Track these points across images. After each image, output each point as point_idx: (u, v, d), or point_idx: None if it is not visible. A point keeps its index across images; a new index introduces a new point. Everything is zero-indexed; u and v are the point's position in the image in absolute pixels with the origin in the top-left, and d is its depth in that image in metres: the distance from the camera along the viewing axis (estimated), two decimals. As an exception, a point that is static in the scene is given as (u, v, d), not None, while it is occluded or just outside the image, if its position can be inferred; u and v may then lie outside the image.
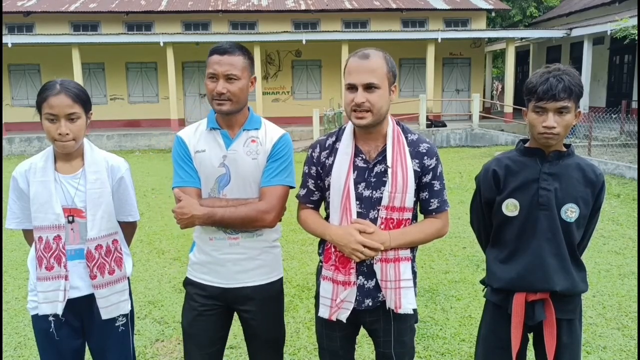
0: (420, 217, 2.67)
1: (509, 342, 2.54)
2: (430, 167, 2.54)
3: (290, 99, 25.59)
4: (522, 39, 26.70)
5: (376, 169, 2.52)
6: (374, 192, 2.51)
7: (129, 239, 2.91)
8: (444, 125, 21.43)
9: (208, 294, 2.74)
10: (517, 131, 21.29)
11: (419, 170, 2.53)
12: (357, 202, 2.51)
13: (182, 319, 2.85)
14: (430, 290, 5.57)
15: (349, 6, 25.99)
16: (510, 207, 2.54)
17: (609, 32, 18.89)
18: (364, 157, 2.54)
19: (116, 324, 2.76)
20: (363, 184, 2.51)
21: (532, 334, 2.68)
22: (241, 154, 2.65)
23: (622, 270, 6.06)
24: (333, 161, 2.57)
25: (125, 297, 2.76)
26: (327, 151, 2.62)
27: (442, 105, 25.38)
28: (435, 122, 21.55)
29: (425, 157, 2.54)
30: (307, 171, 2.69)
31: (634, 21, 15.95)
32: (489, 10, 27.34)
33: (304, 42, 22.68)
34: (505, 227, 2.58)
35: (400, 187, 2.47)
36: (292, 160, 2.74)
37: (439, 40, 22.66)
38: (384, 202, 2.48)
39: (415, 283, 2.62)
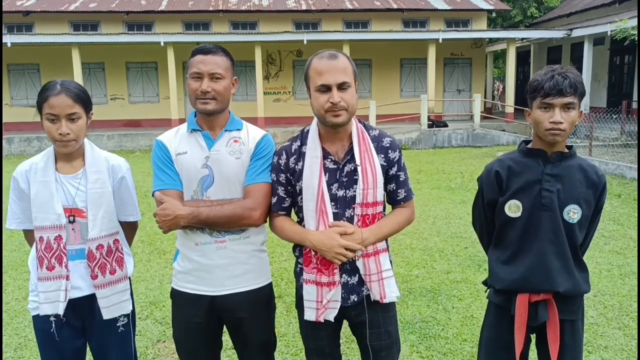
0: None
1: (511, 343, 2.53)
2: (395, 159, 2.61)
3: (291, 99, 25.61)
4: (522, 39, 26.69)
5: (346, 168, 2.54)
6: (347, 191, 2.54)
7: (130, 239, 2.89)
8: (446, 126, 21.42)
9: (196, 305, 2.68)
10: (519, 131, 21.30)
11: (385, 164, 2.59)
12: (332, 203, 2.53)
13: (173, 331, 2.83)
14: (432, 290, 5.57)
15: (350, 6, 25.99)
16: (513, 208, 2.54)
17: (609, 33, 18.87)
18: (332, 158, 2.56)
19: (117, 324, 2.75)
20: (336, 185, 2.54)
21: (534, 334, 2.68)
22: (224, 154, 2.63)
23: (623, 270, 6.05)
24: (302, 165, 2.57)
25: (126, 297, 2.76)
26: (295, 156, 2.61)
27: (444, 106, 25.39)
28: (436, 122, 21.54)
29: (390, 151, 2.60)
30: (275, 179, 2.66)
31: (634, 22, 15.93)
32: (489, 11, 27.34)
33: (305, 42, 22.71)
34: (508, 228, 2.58)
35: (371, 183, 2.51)
36: None
37: (440, 41, 22.67)
38: (358, 199, 2.52)
39: (393, 272, 2.68)
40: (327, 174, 2.54)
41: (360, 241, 2.48)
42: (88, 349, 2.82)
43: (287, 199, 2.67)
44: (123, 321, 2.78)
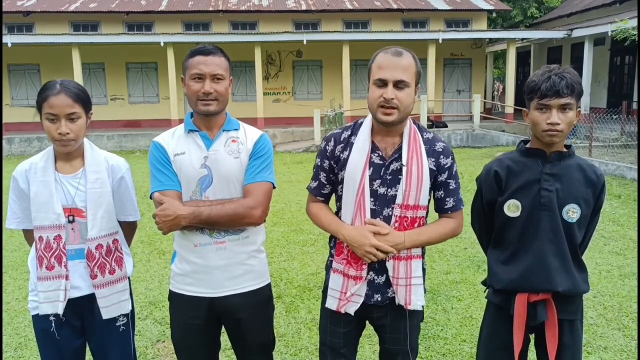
0: (433, 215, 2.67)
1: (510, 343, 2.53)
2: (447, 166, 2.55)
3: (291, 99, 25.60)
4: (523, 39, 26.68)
5: (392, 167, 2.51)
6: (389, 189, 2.50)
7: (129, 238, 2.90)
8: (445, 126, 21.43)
9: (195, 306, 2.67)
10: (518, 132, 21.29)
11: (434, 168, 2.53)
12: (372, 199, 2.50)
13: (172, 333, 2.82)
14: (431, 290, 5.56)
15: (349, 6, 25.99)
16: (512, 208, 2.54)
17: (609, 33, 18.87)
18: (380, 154, 2.52)
19: (117, 324, 2.75)
20: (378, 181, 2.50)
21: (533, 334, 2.68)
22: (222, 153, 2.62)
23: (622, 271, 6.05)
24: (348, 155, 2.54)
25: (125, 296, 2.76)
26: (342, 145, 2.59)
27: (443, 106, 25.40)
28: (436, 123, 21.55)
29: (442, 156, 2.55)
30: (319, 164, 2.66)
31: (634, 22, 15.93)
32: (489, 11, 27.35)
33: (304, 42, 22.69)
34: (507, 228, 2.58)
35: (414, 185, 2.47)
36: (272, 159, 2.72)
37: (440, 41, 22.67)
38: (399, 200, 2.48)
39: (424, 280, 2.65)
40: (372, 169, 2.51)
41: (394, 244, 2.45)
42: (88, 348, 2.82)
43: (327, 185, 2.66)
44: (122, 321, 2.78)
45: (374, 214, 2.50)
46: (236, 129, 2.71)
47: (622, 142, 15.37)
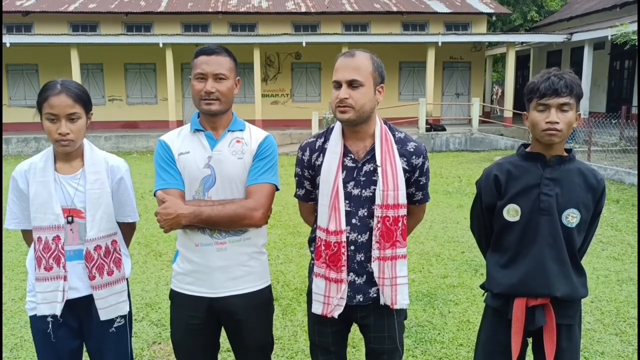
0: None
1: (508, 347, 2.53)
2: (418, 165, 2.62)
3: (289, 101, 25.58)
4: (522, 43, 26.68)
5: (365, 168, 2.56)
6: (364, 190, 2.55)
7: (127, 239, 2.90)
8: (444, 129, 21.42)
9: (195, 306, 2.68)
10: (517, 136, 21.30)
11: (407, 168, 2.59)
12: (346, 201, 2.56)
13: (171, 333, 2.83)
14: (428, 294, 5.56)
15: (349, 9, 25.99)
16: (512, 212, 2.54)
17: (609, 37, 18.89)
18: (352, 157, 2.58)
19: (114, 325, 2.75)
20: (352, 183, 2.56)
21: (531, 338, 2.68)
22: (226, 154, 2.63)
23: (620, 276, 6.05)
24: (322, 161, 2.60)
25: (123, 298, 2.75)
26: (317, 153, 2.66)
27: (442, 109, 25.40)
28: (434, 126, 21.54)
29: (413, 157, 2.60)
30: (300, 173, 2.73)
31: (634, 27, 15.94)
32: (489, 14, 27.34)
33: (303, 44, 22.67)
34: (506, 232, 2.58)
35: (391, 185, 2.52)
36: (277, 161, 2.74)
37: (440, 44, 22.66)
38: (378, 201, 2.52)
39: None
40: (345, 172, 2.56)
41: None
42: (85, 349, 2.82)
43: (314, 190, 2.72)
44: (120, 322, 2.78)
45: (349, 215, 2.56)
46: (241, 130, 2.72)
47: (621, 147, 15.36)
